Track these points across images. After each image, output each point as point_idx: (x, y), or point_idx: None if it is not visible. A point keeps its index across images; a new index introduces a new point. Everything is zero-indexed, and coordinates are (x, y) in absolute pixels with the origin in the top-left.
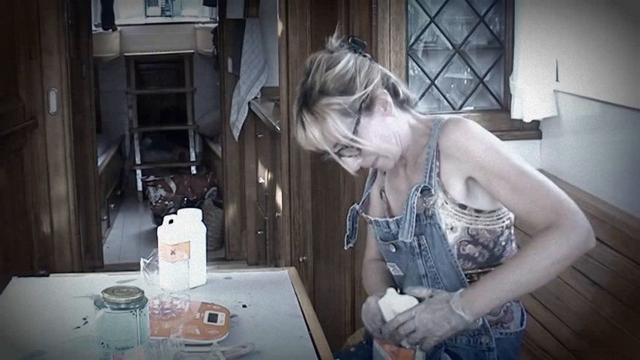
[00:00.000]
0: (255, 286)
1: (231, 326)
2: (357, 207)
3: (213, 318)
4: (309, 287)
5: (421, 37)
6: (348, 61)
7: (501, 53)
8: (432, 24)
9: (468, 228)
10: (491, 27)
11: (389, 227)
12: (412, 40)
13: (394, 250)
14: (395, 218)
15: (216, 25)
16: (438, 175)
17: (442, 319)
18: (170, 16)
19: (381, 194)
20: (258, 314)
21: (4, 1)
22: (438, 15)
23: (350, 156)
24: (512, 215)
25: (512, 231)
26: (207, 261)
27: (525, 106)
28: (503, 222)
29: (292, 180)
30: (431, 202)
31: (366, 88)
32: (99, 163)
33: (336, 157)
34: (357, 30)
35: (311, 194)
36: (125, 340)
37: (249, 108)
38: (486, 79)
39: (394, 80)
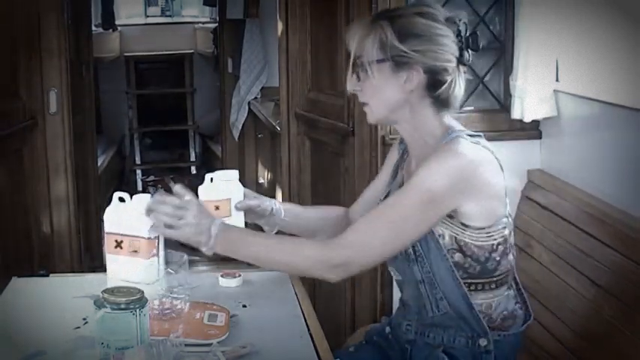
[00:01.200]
0: (255, 286)
1: (231, 326)
2: None
3: (213, 318)
4: (309, 287)
5: None
6: (436, 27)
7: (501, 53)
8: None
9: (455, 237)
10: (491, 27)
11: None
12: None
13: (394, 257)
14: None
15: (216, 25)
16: None
17: (199, 227)
18: (170, 16)
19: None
20: (258, 314)
21: (4, 2)
22: None
23: (354, 75)
24: (506, 232)
25: (510, 244)
26: (207, 261)
27: (525, 106)
28: (495, 239)
29: (292, 180)
30: None
31: (411, 52)
32: (99, 163)
33: (348, 66)
34: None
35: (311, 194)
36: (125, 340)
37: (249, 108)
38: (486, 79)
39: (452, 81)
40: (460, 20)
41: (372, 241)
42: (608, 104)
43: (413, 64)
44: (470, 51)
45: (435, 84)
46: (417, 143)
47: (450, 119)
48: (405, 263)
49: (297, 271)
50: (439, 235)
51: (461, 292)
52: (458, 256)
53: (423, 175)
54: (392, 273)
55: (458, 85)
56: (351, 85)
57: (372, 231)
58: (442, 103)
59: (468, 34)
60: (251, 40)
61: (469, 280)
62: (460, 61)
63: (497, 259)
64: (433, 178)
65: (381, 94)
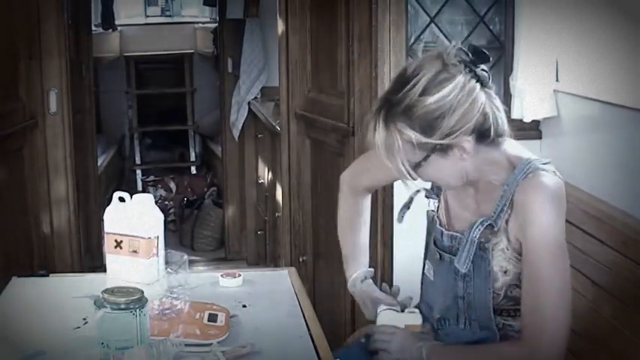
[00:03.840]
0: (255, 286)
1: (231, 326)
2: (429, 194)
3: (213, 318)
4: (309, 287)
5: (421, 37)
6: (449, 92)
7: (501, 53)
8: (432, 24)
9: (520, 274)
10: (491, 27)
11: (442, 237)
12: (412, 40)
13: (438, 258)
14: (451, 233)
15: (216, 25)
16: (507, 221)
17: (409, 351)
18: (170, 16)
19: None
20: (258, 314)
21: (4, 2)
22: (438, 15)
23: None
24: None
25: None
26: (207, 260)
27: (525, 106)
28: None
29: (292, 180)
30: (492, 242)
31: (448, 135)
32: (99, 163)
33: (393, 169)
34: (357, 30)
35: (311, 194)
36: (125, 340)
37: (249, 108)
38: None
39: (493, 118)
40: (455, 47)
41: (559, 323)
42: (608, 104)
43: (455, 141)
44: (483, 68)
45: (484, 133)
46: (482, 180)
47: (506, 146)
48: (451, 274)
49: None
50: (504, 272)
51: (494, 322)
52: (517, 291)
53: (541, 234)
54: (425, 270)
55: (496, 110)
56: (411, 180)
57: (550, 314)
58: (499, 139)
59: (471, 56)
60: (251, 40)
61: (516, 307)
62: (484, 86)
63: None
64: (553, 232)
65: (443, 175)
